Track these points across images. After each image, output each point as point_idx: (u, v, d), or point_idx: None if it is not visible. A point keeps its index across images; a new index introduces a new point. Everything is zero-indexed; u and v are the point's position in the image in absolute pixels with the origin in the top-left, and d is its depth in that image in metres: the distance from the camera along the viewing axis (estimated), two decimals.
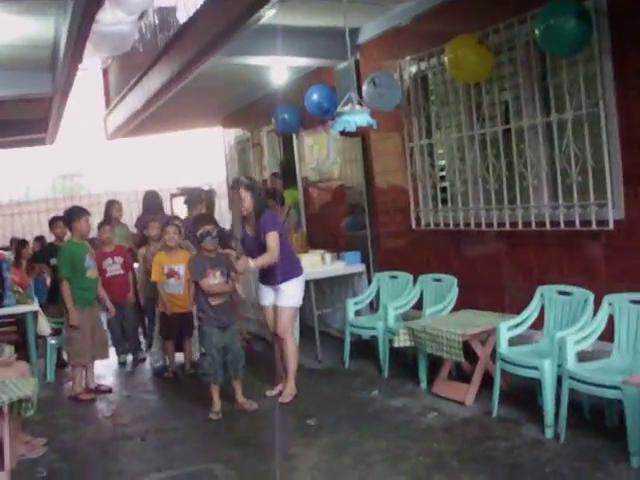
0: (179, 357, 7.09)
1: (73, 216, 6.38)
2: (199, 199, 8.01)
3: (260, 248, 5.58)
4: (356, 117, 5.51)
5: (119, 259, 7.43)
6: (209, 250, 5.52)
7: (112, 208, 8.24)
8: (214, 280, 5.46)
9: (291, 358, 5.73)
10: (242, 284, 5.97)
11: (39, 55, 7.47)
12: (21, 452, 4.78)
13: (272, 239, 5.51)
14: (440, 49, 6.02)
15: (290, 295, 5.73)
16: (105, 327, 7.10)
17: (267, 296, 5.84)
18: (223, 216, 12.51)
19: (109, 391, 6.50)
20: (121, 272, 7.39)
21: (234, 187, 5.71)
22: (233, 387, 5.62)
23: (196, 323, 7.08)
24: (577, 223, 5.08)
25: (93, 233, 7.54)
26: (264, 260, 5.54)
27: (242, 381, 5.64)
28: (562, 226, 5.21)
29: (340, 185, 8.21)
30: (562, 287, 4.92)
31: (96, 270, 6.55)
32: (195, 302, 5.81)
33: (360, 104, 5.69)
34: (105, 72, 13.46)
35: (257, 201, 5.62)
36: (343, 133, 6.15)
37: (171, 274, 6.67)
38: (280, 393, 5.76)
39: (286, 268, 5.69)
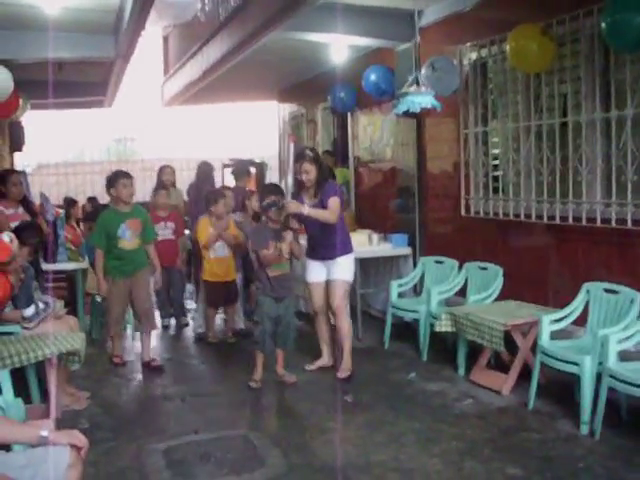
0: (221, 324, 7.22)
1: (110, 181, 6.11)
2: (246, 171, 8.11)
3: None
4: (421, 98, 5.52)
5: (171, 224, 7.50)
6: (274, 221, 5.44)
7: (162, 173, 8.36)
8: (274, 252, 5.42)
9: (347, 334, 5.73)
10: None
11: (104, 19, 7.59)
12: (66, 403, 4.95)
13: (334, 202, 5.48)
14: (502, 37, 5.97)
15: (347, 269, 5.73)
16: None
17: (317, 272, 5.82)
18: None
19: (159, 369, 6.06)
20: (171, 237, 7.48)
21: (299, 159, 5.66)
22: (276, 357, 5.62)
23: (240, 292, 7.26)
24: (629, 222, 5.03)
25: (142, 197, 7.70)
26: (322, 213, 5.47)
27: (286, 354, 5.68)
28: (613, 224, 5.16)
29: (392, 167, 8.21)
30: (609, 285, 4.88)
31: (135, 240, 6.06)
32: (255, 272, 5.77)
33: (424, 85, 5.70)
34: (166, 39, 13.58)
35: (321, 173, 5.60)
36: (406, 114, 6.13)
37: (217, 239, 6.78)
38: (319, 369, 5.85)
39: (343, 242, 5.71)
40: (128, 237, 6.01)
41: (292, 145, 5.72)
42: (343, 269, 5.70)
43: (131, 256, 6.07)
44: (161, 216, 7.48)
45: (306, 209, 5.40)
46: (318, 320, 5.99)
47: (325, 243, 5.65)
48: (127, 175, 6.14)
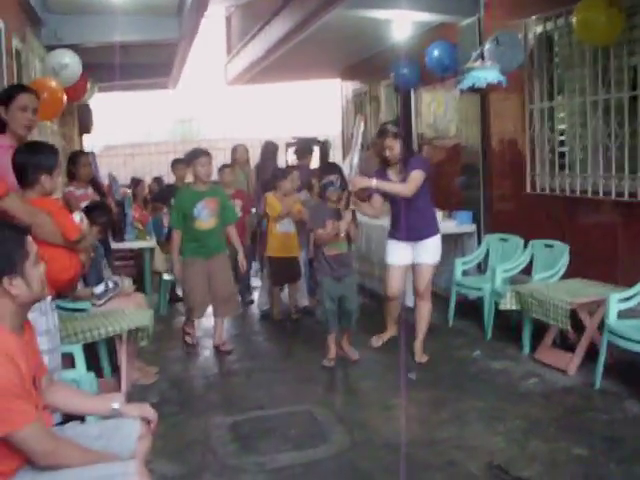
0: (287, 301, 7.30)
1: (190, 159, 5.98)
2: (309, 149, 8.12)
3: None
4: (487, 73, 5.45)
5: (238, 202, 7.48)
6: (332, 200, 5.35)
7: (235, 152, 8.45)
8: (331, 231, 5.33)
9: (428, 317, 5.60)
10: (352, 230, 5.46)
11: (167, 1, 7.70)
12: (135, 378, 5.10)
13: (415, 175, 5.25)
14: (568, 9, 5.82)
15: (436, 251, 5.51)
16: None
17: (400, 254, 5.56)
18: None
19: (229, 353, 5.98)
20: (239, 214, 7.53)
21: (381, 135, 5.44)
22: (341, 335, 5.61)
23: (304, 269, 7.31)
24: None
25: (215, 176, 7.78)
26: (393, 186, 5.33)
27: (351, 332, 5.68)
28: None
29: (456, 144, 8.13)
30: None
31: (212, 220, 5.88)
32: (314, 252, 5.75)
33: (489, 60, 5.62)
34: (228, 20, 13.68)
35: (405, 148, 5.41)
36: (472, 89, 6.05)
37: (284, 215, 6.84)
38: (385, 344, 5.85)
39: (432, 221, 5.55)
40: (204, 217, 5.84)
41: (362, 124, 5.62)
42: (433, 250, 5.49)
43: (208, 237, 5.88)
44: (227, 194, 7.55)
45: (374, 182, 5.27)
46: (392, 304, 5.84)
47: (411, 223, 5.39)
48: (206, 153, 5.92)
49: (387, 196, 5.46)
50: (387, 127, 5.47)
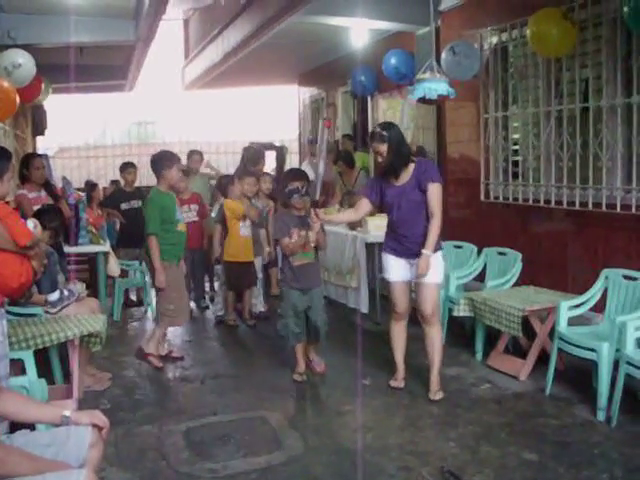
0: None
1: (164, 162, 5.62)
2: (261, 155, 8.07)
3: (410, 204, 4.73)
4: (437, 85, 5.50)
5: (195, 206, 7.51)
6: (297, 208, 5.13)
7: (189, 159, 8.48)
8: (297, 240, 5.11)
9: (440, 346, 4.95)
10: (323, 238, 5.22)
11: (124, 3, 7.63)
12: (88, 384, 5.04)
13: (438, 193, 4.69)
14: (523, 21, 5.95)
15: (440, 268, 4.84)
16: None
17: (401, 270, 4.91)
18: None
19: (181, 359, 5.93)
20: (196, 219, 7.47)
21: (371, 140, 4.85)
22: (311, 345, 5.43)
23: (260, 275, 7.30)
24: None
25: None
26: (434, 233, 4.65)
27: (319, 344, 5.47)
28: (634, 210, 5.15)
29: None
30: (628, 272, 4.86)
31: (184, 223, 5.92)
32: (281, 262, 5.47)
33: (439, 72, 5.68)
34: (186, 23, 13.63)
35: (398, 151, 4.73)
36: (422, 100, 6.11)
37: (244, 218, 6.83)
38: (401, 385, 5.07)
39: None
40: (182, 219, 5.87)
41: (326, 130, 5.36)
42: (438, 268, 4.81)
43: (183, 239, 5.82)
44: (184, 198, 7.52)
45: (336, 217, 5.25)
46: (398, 325, 5.10)
47: (414, 236, 4.76)
48: (179, 158, 5.87)
49: (384, 204, 4.92)
50: (375, 130, 4.87)
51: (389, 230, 4.98)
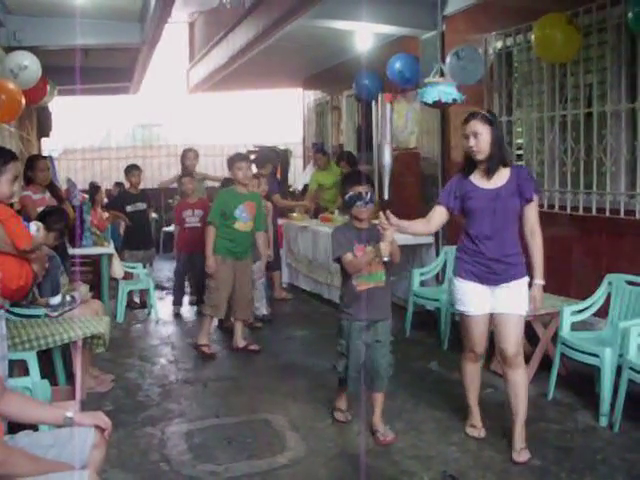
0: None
1: (230, 163, 6.10)
2: (268, 158, 8.09)
3: (508, 213, 3.88)
4: (450, 89, 5.48)
5: (199, 212, 7.51)
6: (360, 219, 4.17)
7: (184, 157, 8.39)
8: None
9: (525, 393, 3.99)
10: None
11: (130, 6, 7.67)
12: (90, 385, 5.05)
13: (536, 207, 3.97)
14: (527, 26, 5.96)
15: (525, 297, 3.93)
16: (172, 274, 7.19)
17: (480, 298, 3.97)
18: (298, 176, 12.67)
19: (257, 352, 6.11)
20: (198, 225, 7.47)
21: (468, 119, 3.90)
22: (371, 402, 4.32)
23: (262, 278, 7.27)
24: None
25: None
26: (542, 255, 3.91)
27: (383, 398, 4.35)
28: (637, 215, 5.15)
29: (415, 155, 8.20)
30: (631, 277, 4.86)
31: (249, 223, 6.06)
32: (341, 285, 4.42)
33: (444, 76, 5.69)
34: (191, 26, 13.68)
35: (497, 141, 3.86)
36: (437, 103, 6.03)
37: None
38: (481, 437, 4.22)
39: (519, 257, 3.96)
40: (244, 219, 6.03)
41: (388, 106, 4.88)
42: (524, 296, 3.93)
43: (243, 239, 6.08)
44: (190, 202, 7.51)
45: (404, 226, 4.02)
46: (474, 367, 4.24)
47: (503, 255, 3.89)
48: (243, 158, 6.19)
49: (467, 212, 4.00)
50: (477, 110, 4.02)
51: (467, 248, 3.99)
